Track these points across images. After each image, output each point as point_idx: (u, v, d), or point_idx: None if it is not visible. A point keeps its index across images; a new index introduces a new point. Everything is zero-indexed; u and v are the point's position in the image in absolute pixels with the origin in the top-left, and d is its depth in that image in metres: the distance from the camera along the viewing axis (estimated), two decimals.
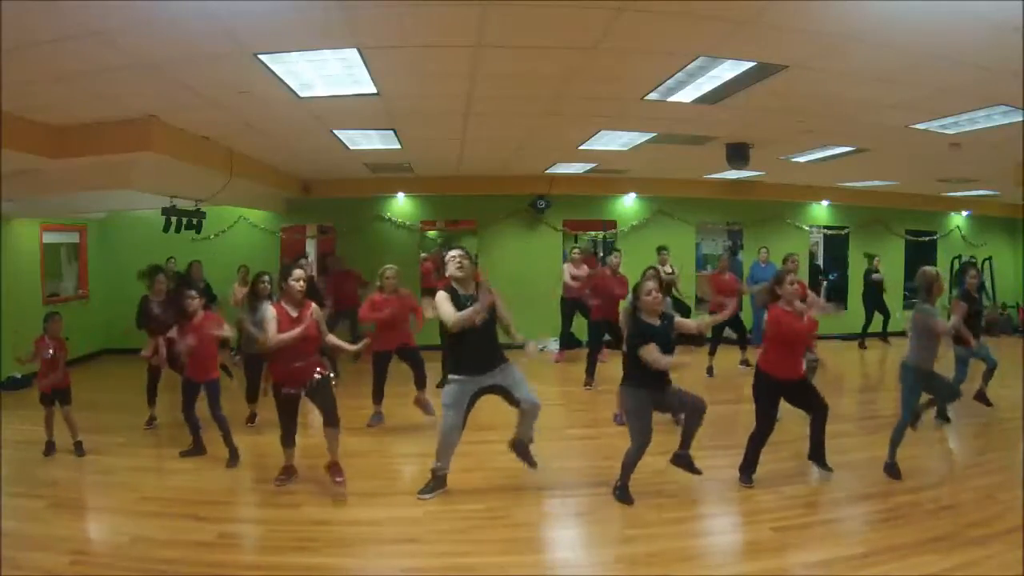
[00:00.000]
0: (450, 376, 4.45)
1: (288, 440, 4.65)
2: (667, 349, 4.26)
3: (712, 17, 3.31)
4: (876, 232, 11.86)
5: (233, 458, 5.11)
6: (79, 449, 5.32)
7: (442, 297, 4.36)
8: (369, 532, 4.04)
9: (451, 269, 4.44)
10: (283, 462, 4.70)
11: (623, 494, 4.35)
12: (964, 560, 3.53)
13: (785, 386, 4.50)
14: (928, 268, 4.90)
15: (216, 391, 5.23)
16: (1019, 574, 3.37)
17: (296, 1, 3.11)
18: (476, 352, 4.36)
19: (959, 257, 12.14)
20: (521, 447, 4.63)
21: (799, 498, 4.47)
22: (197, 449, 5.28)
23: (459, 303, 4.31)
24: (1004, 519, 4.04)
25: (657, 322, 4.31)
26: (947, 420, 5.85)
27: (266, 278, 5.50)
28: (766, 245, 10.03)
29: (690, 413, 4.37)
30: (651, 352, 4.14)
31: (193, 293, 5.37)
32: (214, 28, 3.34)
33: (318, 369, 4.54)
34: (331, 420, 4.53)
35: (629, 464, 4.33)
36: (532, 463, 4.63)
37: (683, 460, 4.45)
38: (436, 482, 4.49)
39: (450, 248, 4.60)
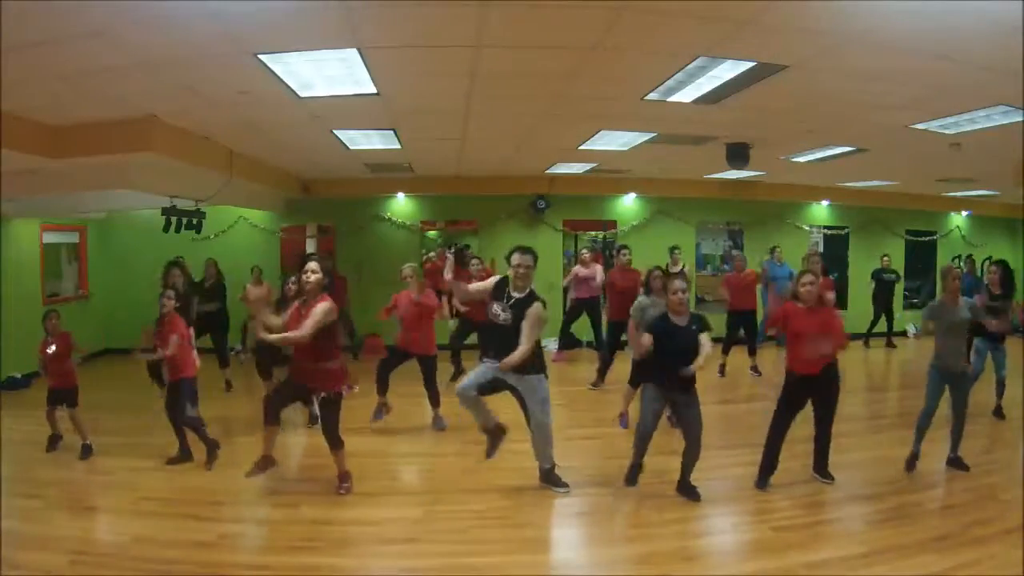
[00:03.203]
0: (479, 357, 4.59)
1: (269, 415, 4.40)
2: (687, 353, 4.19)
3: (712, 17, 3.31)
4: (876, 232, 11.87)
5: (210, 457, 5.02)
6: (86, 451, 5.25)
7: (489, 282, 4.50)
8: (369, 532, 4.05)
9: (512, 276, 4.40)
10: (261, 451, 4.46)
11: (631, 475, 4.58)
12: (964, 560, 3.54)
13: (805, 381, 4.49)
14: (948, 265, 4.96)
15: (189, 389, 5.10)
16: (1019, 574, 3.37)
17: (296, 1, 3.11)
18: (494, 343, 4.40)
19: (959, 256, 12.13)
20: (547, 477, 4.61)
21: (799, 498, 4.47)
22: (184, 455, 5.11)
23: (499, 296, 4.38)
24: (1004, 519, 4.04)
25: (684, 323, 4.31)
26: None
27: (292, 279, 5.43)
28: (778, 244, 10.08)
29: (687, 444, 4.40)
30: (640, 337, 4.34)
31: (171, 294, 5.25)
32: (214, 28, 3.34)
33: (323, 393, 4.39)
34: (330, 444, 4.46)
35: (636, 442, 4.56)
36: (563, 485, 4.57)
37: (684, 489, 4.46)
38: (492, 438, 4.54)
39: (518, 250, 4.45)
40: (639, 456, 4.57)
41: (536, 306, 4.27)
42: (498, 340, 4.34)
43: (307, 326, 4.19)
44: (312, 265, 4.38)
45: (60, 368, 5.33)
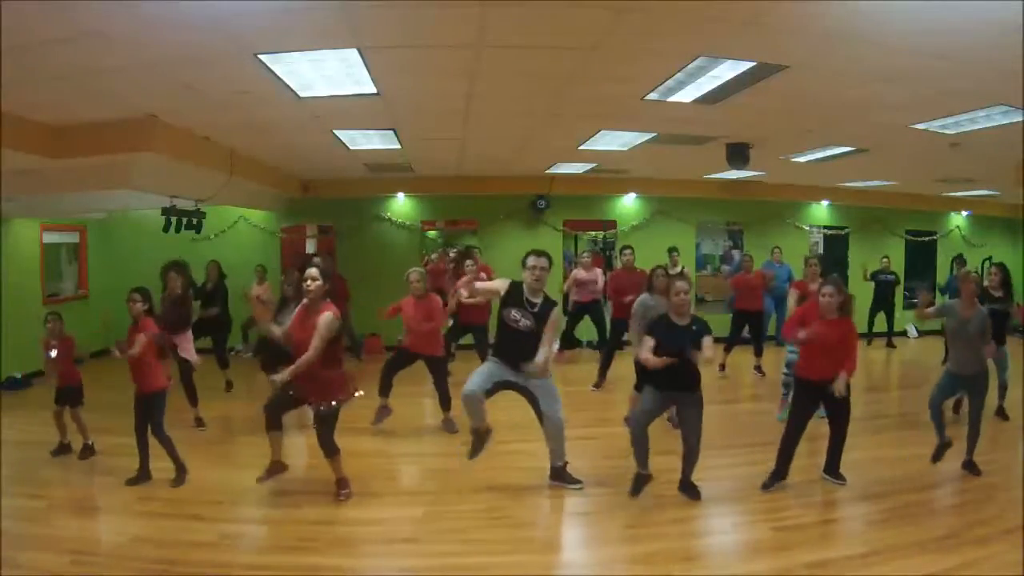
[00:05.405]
0: (489, 356, 4.58)
1: (270, 422, 4.37)
2: (686, 353, 4.19)
3: (712, 17, 3.31)
4: (876, 232, 11.87)
5: (179, 477, 4.69)
6: (87, 451, 5.23)
7: (500, 284, 4.47)
8: (369, 532, 4.05)
9: (529, 279, 4.39)
10: (270, 457, 4.47)
11: (636, 486, 4.44)
12: (964, 560, 3.54)
13: (815, 387, 4.47)
14: (965, 270, 4.90)
15: (159, 405, 4.75)
16: (1019, 574, 3.37)
17: (296, 1, 3.11)
18: (513, 349, 4.41)
19: (960, 257, 12.13)
20: (559, 474, 4.61)
21: (799, 498, 4.47)
22: (142, 475, 4.71)
23: (518, 301, 4.38)
24: (1004, 519, 4.04)
25: (684, 323, 4.30)
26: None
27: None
28: (778, 245, 10.11)
29: (685, 449, 4.39)
30: (643, 349, 4.22)
31: (137, 296, 4.81)
32: (214, 28, 3.33)
33: (321, 407, 4.29)
34: (325, 453, 4.37)
35: (634, 449, 4.43)
36: (575, 482, 4.59)
37: (685, 488, 4.46)
38: (479, 439, 4.53)
39: (533, 253, 4.46)
40: (642, 465, 4.43)
41: (557, 310, 4.42)
42: (516, 345, 4.38)
43: (315, 347, 4.12)
44: (312, 272, 4.30)
45: (65, 369, 5.30)
